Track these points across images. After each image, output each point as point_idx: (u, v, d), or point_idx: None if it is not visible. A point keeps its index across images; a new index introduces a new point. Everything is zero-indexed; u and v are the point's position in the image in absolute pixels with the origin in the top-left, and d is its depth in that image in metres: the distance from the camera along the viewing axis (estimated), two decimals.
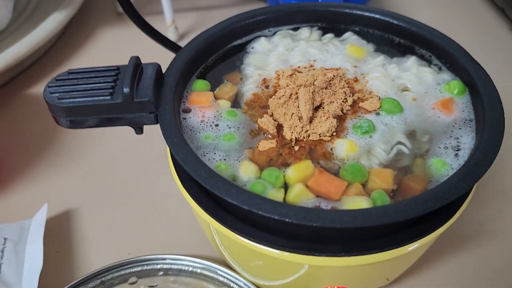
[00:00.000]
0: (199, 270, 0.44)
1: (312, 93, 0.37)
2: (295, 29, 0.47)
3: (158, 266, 0.45)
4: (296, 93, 0.38)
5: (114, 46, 0.74)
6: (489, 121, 0.35)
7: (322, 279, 0.38)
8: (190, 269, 0.44)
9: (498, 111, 0.36)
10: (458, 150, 0.35)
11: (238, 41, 0.46)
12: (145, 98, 0.35)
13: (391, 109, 0.38)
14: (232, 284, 0.43)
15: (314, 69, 0.42)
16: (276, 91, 0.40)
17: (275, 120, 0.38)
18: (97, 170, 0.55)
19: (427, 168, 0.35)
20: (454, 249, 0.47)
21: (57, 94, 0.36)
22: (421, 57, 0.44)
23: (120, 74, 0.37)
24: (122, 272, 0.44)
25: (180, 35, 0.73)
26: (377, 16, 0.46)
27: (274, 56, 0.44)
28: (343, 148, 0.35)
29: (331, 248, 0.33)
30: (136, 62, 0.37)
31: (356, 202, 0.32)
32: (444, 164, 0.34)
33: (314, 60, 0.43)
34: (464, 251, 0.47)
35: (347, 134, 0.37)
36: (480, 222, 0.49)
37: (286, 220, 0.29)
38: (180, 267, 0.44)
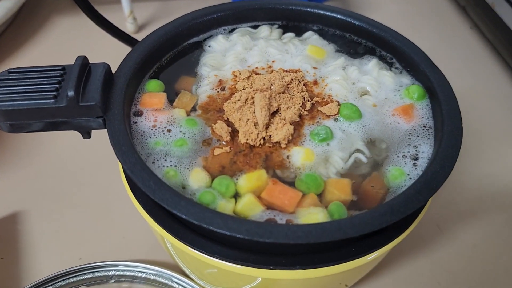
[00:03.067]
0: (152, 277, 0.43)
1: (269, 98, 0.36)
2: (255, 27, 0.46)
3: (110, 273, 0.43)
4: (252, 98, 0.36)
5: (69, 36, 0.71)
6: (447, 130, 0.34)
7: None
8: (144, 275, 0.43)
9: (456, 120, 0.35)
10: (417, 159, 0.35)
11: (195, 39, 0.44)
12: (91, 102, 0.33)
13: (350, 115, 0.37)
14: None
15: (272, 71, 0.40)
16: (232, 94, 0.38)
17: (229, 126, 0.36)
18: (46, 171, 0.53)
19: (385, 177, 0.34)
20: (413, 252, 0.47)
21: None
22: (383, 59, 0.43)
23: (66, 74, 0.35)
24: (72, 280, 0.42)
25: (139, 26, 0.71)
26: (338, 16, 0.44)
27: (231, 55, 0.42)
28: (299, 156, 0.34)
29: (286, 261, 0.32)
30: (83, 62, 0.35)
31: (312, 215, 0.31)
32: (402, 174, 0.34)
33: (273, 61, 0.42)
34: (423, 254, 0.47)
35: (304, 141, 0.36)
36: (439, 225, 0.50)
37: (237, 235, 0.28)
38: (133, 273, 0.43)
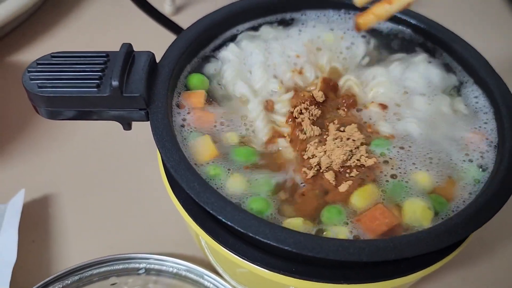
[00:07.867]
0: (183, 273, 0.42)
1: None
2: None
3: (141, 265, 0.42)
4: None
5: (109, 12, 0.68)
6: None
7: None
8: (175, 270, 0.42)
9: None
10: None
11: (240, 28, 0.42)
12: (135, 93, 0.32)
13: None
14: None
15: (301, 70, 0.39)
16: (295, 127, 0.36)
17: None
18: (79, 153, 0.52)
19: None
20: (453, 266, 0.45)
21: (37, 82, 0.32)
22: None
23: (110, 62, 0.33)
24: (103, 270, 0.42)
25: (177, 7, 0.68)
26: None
27: (258, 69, 0.38)
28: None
29: (330, 273, 0.30)
30: (127, 50, 0.33)
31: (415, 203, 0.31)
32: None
33: (300, 71, 0.39)
34: (464, 268, 0.45)
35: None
36: (481, 236, 0.47)
37: (285, 248, 0.27)
38: (164, 268, 0.42)
